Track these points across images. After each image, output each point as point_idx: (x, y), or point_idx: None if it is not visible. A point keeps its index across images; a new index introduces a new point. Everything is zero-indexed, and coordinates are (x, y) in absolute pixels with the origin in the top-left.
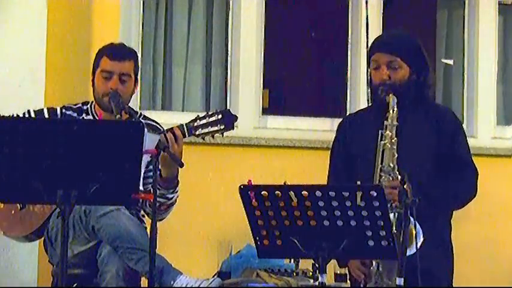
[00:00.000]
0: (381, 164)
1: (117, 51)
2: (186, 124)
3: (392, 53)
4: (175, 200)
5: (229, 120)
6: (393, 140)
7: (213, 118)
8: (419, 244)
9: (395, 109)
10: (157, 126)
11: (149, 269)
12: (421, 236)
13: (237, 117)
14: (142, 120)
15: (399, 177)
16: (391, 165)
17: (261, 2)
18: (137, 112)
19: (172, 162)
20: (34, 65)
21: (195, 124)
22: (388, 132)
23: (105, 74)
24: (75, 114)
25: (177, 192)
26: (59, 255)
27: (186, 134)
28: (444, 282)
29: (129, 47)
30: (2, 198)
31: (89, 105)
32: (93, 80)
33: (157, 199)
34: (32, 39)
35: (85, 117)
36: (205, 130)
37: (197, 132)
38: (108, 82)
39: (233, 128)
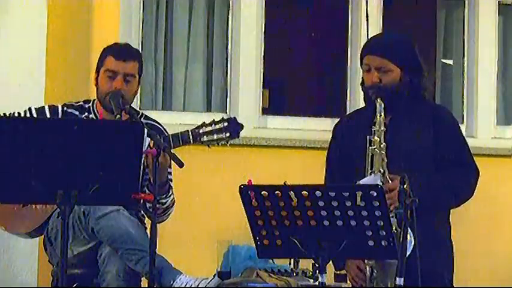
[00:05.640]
0: (371, 169)
1: (122, 51)
2: (191, 130)
3: (382, 56)
4: (172, 203)
5: (234, 128)
6: (382, 145)
7: (219, 126)
8: (410, 248)
9: (383, 114)
10: (159, 126)
11: (149, 269)
12: (412, 240)
13: (243, 126)
14: (143, 121)
15: (390, 181)
16: (381, 170)
17: (261, 2)
18: (139, 112)
19: (163, 169)
20: (34, 65)
21: (201, 131)
22: (376, 137)
23: (109, 74)
24: (76, 113)
25: (170, 196)
26: (58, 255)
27: (191, 140)
28: (444, 282)
29: (134, 48)
30: (2, 198)
31: (90, 104)
32: (96, 79)
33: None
34: (32, 39)
35: (87, 116)
36: (211, 137)
37: (202, 139)
38: (113, 82)
39: (238, 137)
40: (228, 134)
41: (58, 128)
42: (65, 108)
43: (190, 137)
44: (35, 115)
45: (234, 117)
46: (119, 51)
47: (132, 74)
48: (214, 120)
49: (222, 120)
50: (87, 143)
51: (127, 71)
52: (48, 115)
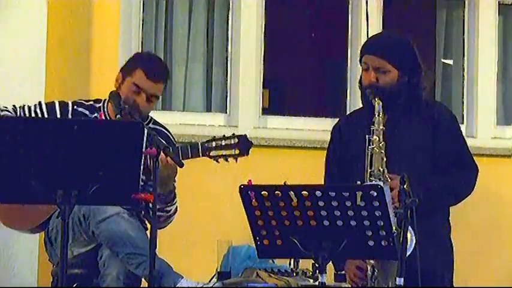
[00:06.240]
0: (370, 168)
1: (155, 71)
2: (201, 144)
3: (380, 57)
4: (175, 211)
5: (244, 145)
6: (381, 144)
7: (229, 141)
8: (412, 247)
9: (381, 113)
10: (166, 132)
11: (149, 269)
12: (414, 239)
13: (252, 144)
14: (151, 126)
15: (389, 180)
16: (381, 169)
17: (261, 2)
18: (147, 116)
19: (169, 178)
20: (34, 65)
21: (210, 145)
22: (375, 137)
23: (135, 88)
24: (87, 112)
25: (175, 203)
26: (58, 256)
27: (200, 154)
28: (444, 282)
29: (165, 65)
30: (2, 198)
31: (101, 104)
32: (119, 81)
33: (157, 213)
34: (32, 39)
35: (97, 116)
36: (219, 152)
37: (211, 153)
38: (136, 96)
39: (247, 154)
40: (237, 151)
41: (58, 128)
42: (75, 107)
43: (200, 151)
44: (44, 110)
45: (245, 135)
46: (152, 69)
47: (157, 95)
48: (224, 135)
49: (233, 136)
50: (87, 143)
51: (153, 91)
52: (58, 111)
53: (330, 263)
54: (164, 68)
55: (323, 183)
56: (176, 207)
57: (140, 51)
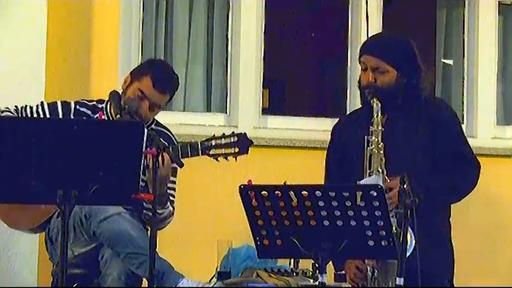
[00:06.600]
0: (369, 169)
1: (162, 83)
2: (200, 142)
3: (378, 57)
4: (169, 215)
5: (244, 144)
6: (380, 145)
7: (228, 140)
8: (412, 247)
9: (380, 114)
10: (169, 134)
11: (149, 269)
12: (414, 239)
13: (252, 142)
14: (153, 127)
15: (388, 180)
16: (380, 169)
17: (261, 2)
18: (150, 118)
19: (161, 181)
20: (34, 65)
21: (210, 144)
22: (374, 137)
23: (140, 94)
24: (89, 112)
25: (167, 208)
26: (59, 255)
27: (200, 152)
28: (444, 282)
29: (175, 78)
30: (2, 198)
31: (104, 104)
32: (128, 83)
33: (147, 213)
34: (32, 39)
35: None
36: (219, 151)
37: (210, 152)
38: (140, 102)
39: (247, 153)
40: (236, 150)
41: (58, 128)
42: (78, 107)
43: (199, 149)
44: (46, 110)
45: (244, 133)
46: (160, 80)
47: (161, 105)
48: (224, 134)
49: (232, 134)
50: (87, 143)
51: (158, 102)
52: (60, 111)
53: (330, 263)
54: (173, 81)
55: (323, 183)
56: (170, 211)
57: (140, 51)
